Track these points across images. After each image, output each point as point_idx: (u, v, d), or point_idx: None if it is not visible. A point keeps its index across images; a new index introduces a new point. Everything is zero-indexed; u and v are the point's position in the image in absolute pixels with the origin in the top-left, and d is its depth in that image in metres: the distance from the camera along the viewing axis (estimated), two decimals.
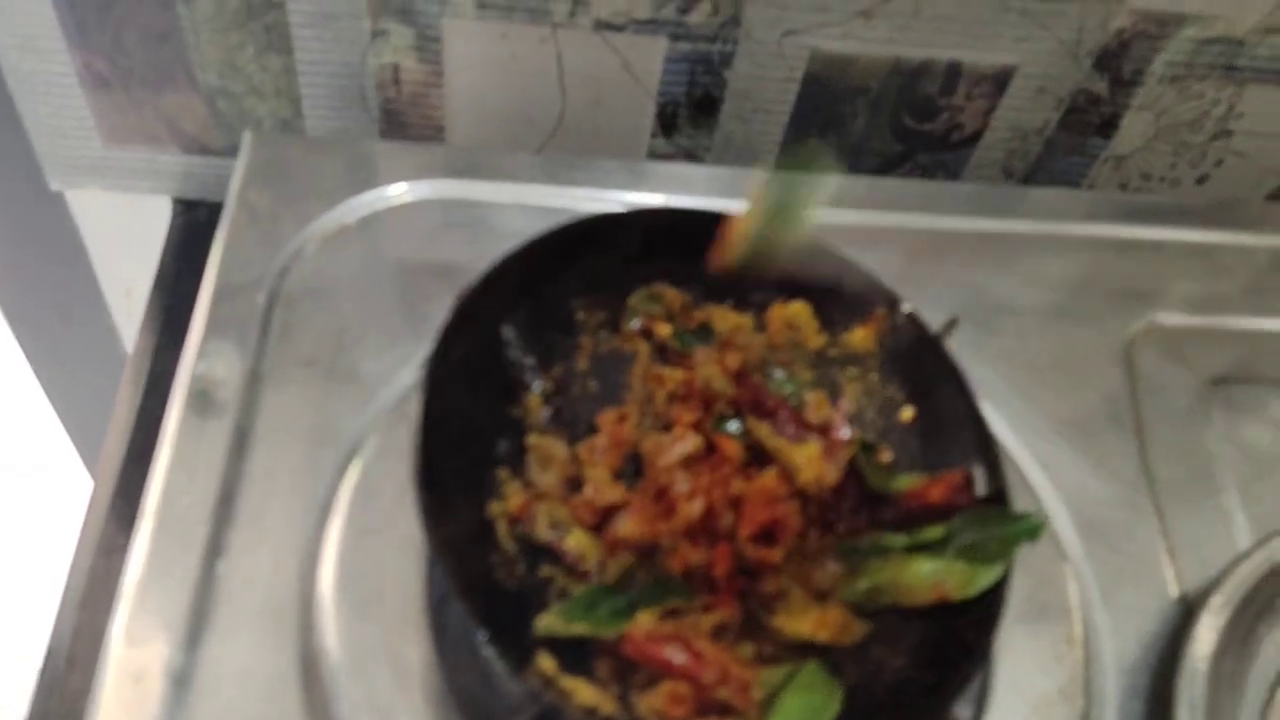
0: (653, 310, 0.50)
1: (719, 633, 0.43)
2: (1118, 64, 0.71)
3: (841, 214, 0.65)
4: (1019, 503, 0.51)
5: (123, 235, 0.83)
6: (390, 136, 0.72)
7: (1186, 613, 0.49)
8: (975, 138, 0.76)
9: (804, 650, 0.44)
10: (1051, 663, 0.49)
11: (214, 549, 0.47)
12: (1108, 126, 0.76)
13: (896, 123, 0.74)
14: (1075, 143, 0.77)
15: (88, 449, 1.07)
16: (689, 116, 0.73)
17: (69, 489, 1.39)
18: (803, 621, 0.44)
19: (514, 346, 0.46)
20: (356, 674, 0.44)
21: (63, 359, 0.96)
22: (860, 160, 0.76)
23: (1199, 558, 0.52)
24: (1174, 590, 0.53)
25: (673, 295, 0.51)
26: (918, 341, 0.49)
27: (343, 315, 0.55)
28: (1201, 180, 0.80)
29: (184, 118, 0.71)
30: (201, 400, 0.50)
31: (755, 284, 0.50)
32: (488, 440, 0.45)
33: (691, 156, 0.75)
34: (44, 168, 0.74)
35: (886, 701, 0.41)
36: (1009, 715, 0.47)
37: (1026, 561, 0.51)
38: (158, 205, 0.77)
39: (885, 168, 0.77)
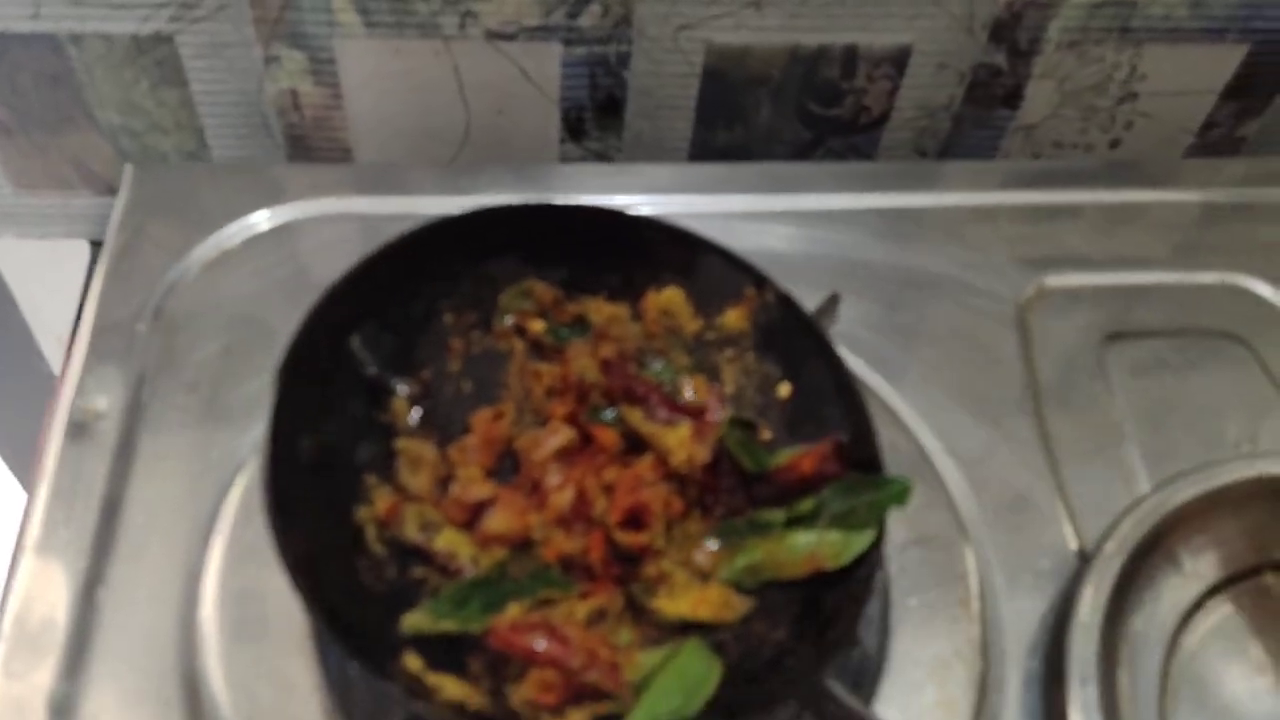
0: (525, 307, 0.50)
1: (597, 619, 0.43)
2: (1013, 34, 0.71)
3: (749, 200, 0.67)
4: (919, 477, 0.52)
5: (47, 281, 0.83)
6: (298, 161, 0.72)
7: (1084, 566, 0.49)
8: (883, 119, 0.76)
9: (688, 631, 0.43)
10: (947, 625, 0.49)
11: (94, 578, 0.47)
12: (1013, 97, 0.76)
13: (802, 110, 0.74)
14: (983, 116, 0.77)
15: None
16: (595, 119, 0.73)
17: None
18: (683, 602, 0.44)
19: (368, 355, 0.46)
20: (240, 695, 0.44)
21: (4, 410, 0.96)
22: (772, 149, 0.76)
23: (1099, 513, 0.51)
24: (1073, 546, 0.52)
25: (544, 290, 0.51)
26: (788, 319, 0.49)
27: (226, 339, 0.55)
28: (1115, 144, 0.80)
29: (90, 158, 0.72)
30: (80, 431, 0.50)
31: (626, 273, 0.50)
32: (352, 447, 0.45)
33: (603, 158, 0.76)
34: None
35: (763, 674, 0.41)
36: (905, 682, 0.47)
37: (922, 530, 0.51)
38: (77, 248, 0.77)
39: (798, 155, 0.77)
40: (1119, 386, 0.59)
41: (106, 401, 0.51)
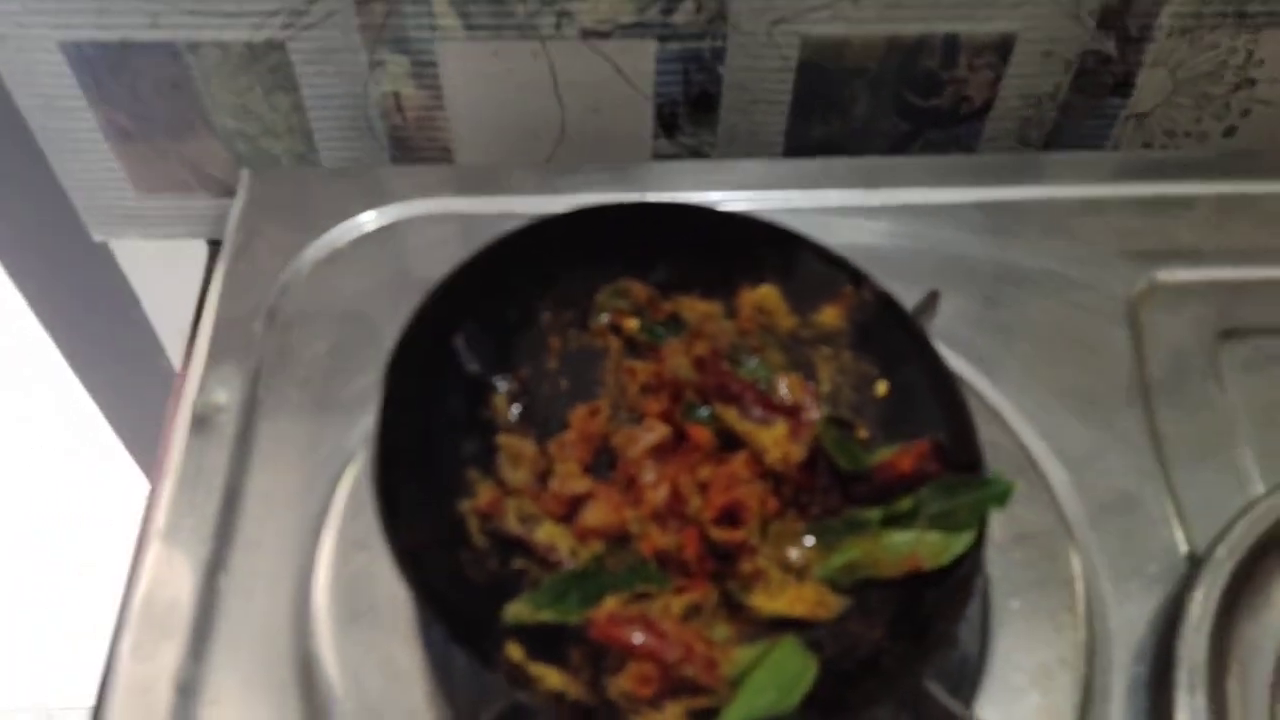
0: (620, 305, 0.51)
1: (692, 614, 0.43)
2: (1123, 21, 0.69)
3: (845, 195, 0.66)
4: (1022, 477, 0.51)
5: (168, 280, 0.86)
6: (401, 162, 0.74)
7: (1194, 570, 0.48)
8: (985, 109, 0.75)
9: (784, 628, 0.44)
10: (1051, 630, 0.48)
11: (216, 564, 0.49)
12: (1123, 85, 0.74)
13: (900, 101, 0.73)
14: (1092, 105, 0.75)
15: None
16: (688, 115, 0.74)
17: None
18: (779, 599, 0.44)
19: (471, 353, 0.47)
20: (350, 678, 0.46)
21: (130, 404, 1.01)
22: (869, 142, 0.75)
23: (1211, 517, 0.50)
24: (1183, 550, 0.51)
25: (639, 289, 0.51)
26: (886, 316, 0.49)
27: (335, 336, 0.57)
28: (1230, 132, 0.77)
29: (207, 162, 0.75)
30: (202, 424, 0.53)
31: (721, 270, 0.51)
32: (455, 442, 0.46)
33: (697, 154, 0.76)
34: (85, 220, 0.79)
35: (859, 674, 0.41)
36: (1007, 687, 0.46)
37: (1025, 531, 0.50)
38: (195, 248, 0.81)
39: (896, 148, 0.76)
40: (1232, 385, 0.57)
41: (226, 395, 0.54)
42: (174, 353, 0.95)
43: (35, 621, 1.48)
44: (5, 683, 1.43)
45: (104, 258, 0.83)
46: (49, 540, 1.55)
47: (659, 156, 0.75)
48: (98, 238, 0.80)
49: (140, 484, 1.10)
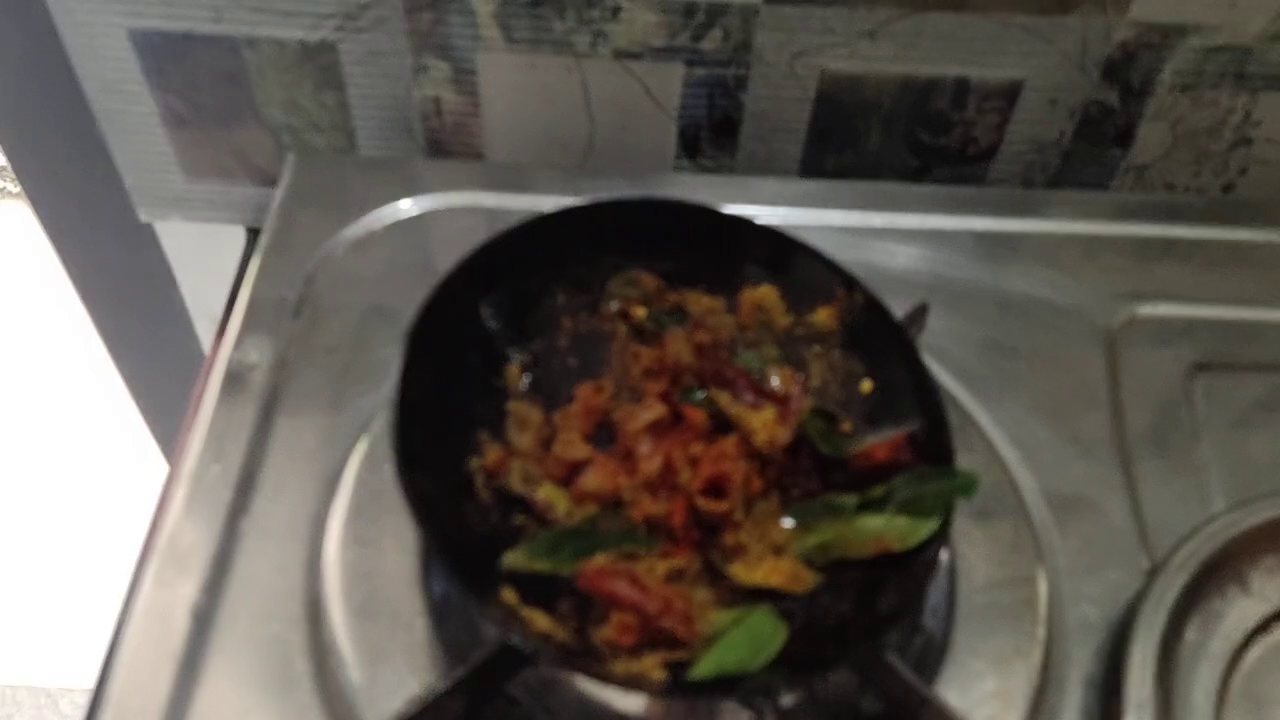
0: (630, 294, 0.55)
1: (675, 577, 0.47)
2: (1126, 74, 0.72)
3: (854, 215, 0.70)
4: (995, 482, 0.54)
5: (206, 263, 0.90)
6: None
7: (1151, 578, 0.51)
8: (991, 151, 0.78)
9: (759, 598, 0.47)
10: (1012, 626, 0.51)
11: (237, 508, 0.53)
12: (1124, 137, 0.77)
13: (912, 138, 0.77)
14: (1093, 154, 0.78)
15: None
16: (710, 138, 0.77)
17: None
18: (757, 571, 0.47)
19: (493, 322, 0.51)
20: (357, 618, 0.49)
21: (156, 381, 1.04)
22: (880, 176, 0.78)
23: (1173, 533, 0.52)
24: (1144, 563, 0.54)
25: (648, 280, 0.55)
26: (874, 320, 0.52)
27: (363, 311, 0.61)
28: (1228, 189, 0.80)
29: (253, 151, 0.79)
30: (234, 382, 0.57)
31: (726, 269, 0.55)
32: (469, 405, 0.50)
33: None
34: (134, 200, 0.83)
35: (825, 641, 0.44)
36: (966, 672, 0.49)
37: (994, 533, 0.53)
38: (234, 234, 0.85)
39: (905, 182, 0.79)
40: (1202, 412, 0.60)
41: (258, 355, 0.58)
42: (204, 337, 0.98)
43: (40, 601, 1.50)
44: (6, 661, 1.46)
45: (148, 238, 0.87)
46: (59, 518, 1.57)
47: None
48: (144, 218, 0.84)
49: (159, 466, 1.13)
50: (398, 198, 0.68)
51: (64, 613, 1.48)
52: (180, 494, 0.53)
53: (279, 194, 0.68)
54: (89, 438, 1.61)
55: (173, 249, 0.89)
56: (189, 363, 1.00)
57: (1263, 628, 0.51)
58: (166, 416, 1.10)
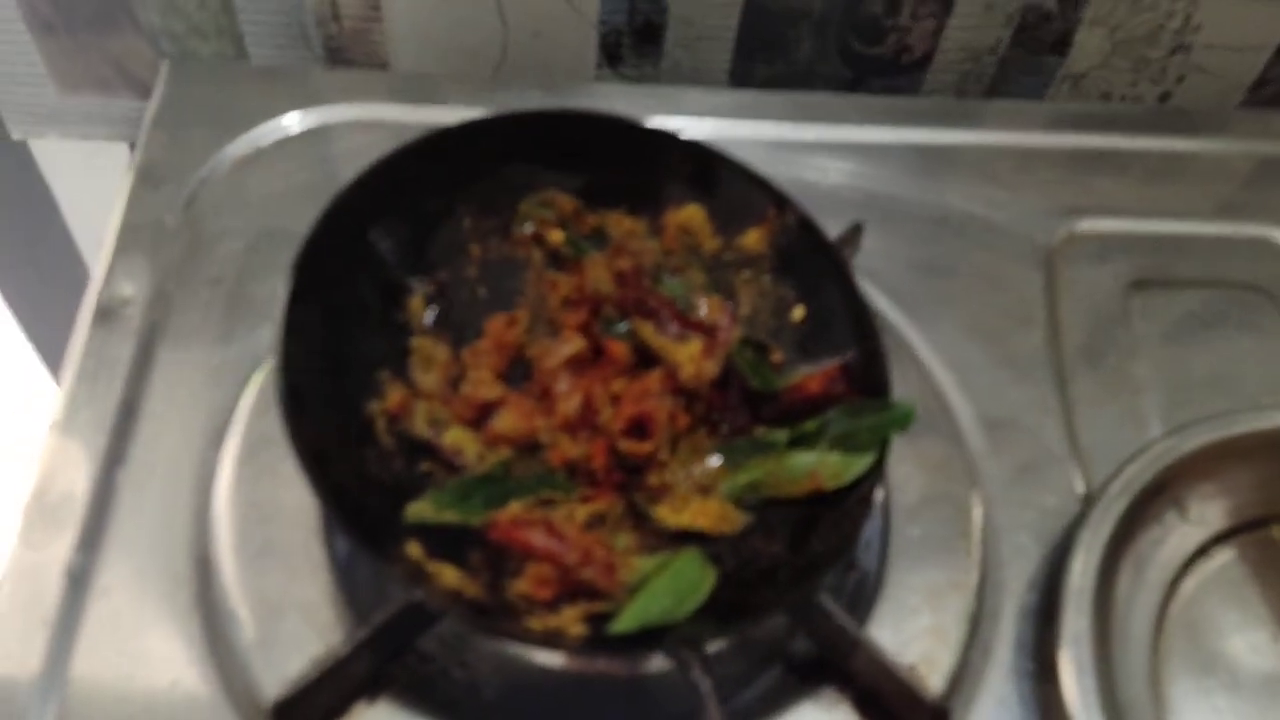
0: (544, 216, 0.51)
1: (595, 523, 0.44)
2: None
3: (785, 128, 0.66)
4: (929, 410, 0.52)
5: (89, 184, 0.84)
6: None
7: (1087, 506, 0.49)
8: (926, 60, 0.75)
9: (686, 541, 0.44)
10: (946, 558, 0.49)
11: (114, 458, 0.48)
12: (1061, 44, 0.74)
13: (844, 47, 0.73)
14: (1030, 62, 0.75)
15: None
16: (633, 45, 0.73)
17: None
18: (683, 513, 0.44)
19: (387, 250, 0.47)
20: (249, 573, 0.46)
21: (44, 314, 0.98)
22: (812, 87, 0.75)
23: (1110, 458, 0.51)
24: (1080, 488, 0.52)
25: (564, 201, 0.51)
26: (807, 242, 0.49)
27: (251, 237, 0.56)
28: (1165, 98, 0.78)
29: (131, 61, 0.72)
30: (106, 316, 0.51)
31: (647, 187, 0.51)
32: (366, 341, 0.46)
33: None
34: (3, 117, 0.76)
35: (756, 585, 0.42)
36: (900, 607, 0.48)
37: (928, 463, 0.51)
38: (119, 151, 0.79)
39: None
40: (1140, 334, 0.58)
41: (133, 289, 0.53)
42: (91, 260, 0.92)
43: None
44: None
45: (22, 158, 0.81)
46: None
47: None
48: (16, 136, 0.77)
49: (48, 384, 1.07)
50: (289, 110, 0.62)
51: None
52: (48, 443, 0.48)
53: (152, 106, 0.62)
54: None
55: (50, 169, 0.83)
56: (77, 286, 0.94)
57: (1201, 552, 0.50)
58: (58, 344, 1.04)
